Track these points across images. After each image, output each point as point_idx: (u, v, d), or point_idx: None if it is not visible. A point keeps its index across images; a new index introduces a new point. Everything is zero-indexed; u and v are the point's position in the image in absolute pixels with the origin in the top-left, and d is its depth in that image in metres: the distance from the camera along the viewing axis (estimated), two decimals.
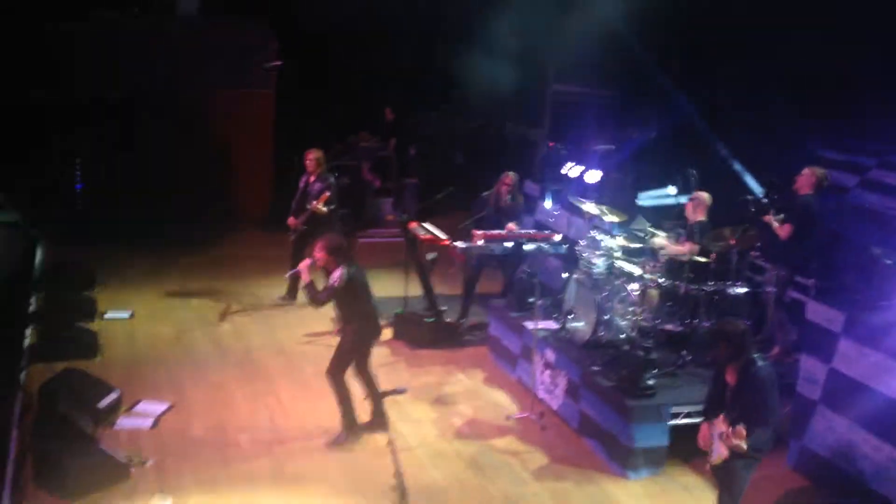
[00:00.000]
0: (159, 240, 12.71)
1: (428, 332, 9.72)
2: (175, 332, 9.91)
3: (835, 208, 8.91)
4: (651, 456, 7.12)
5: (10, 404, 7.50)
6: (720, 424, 5.58)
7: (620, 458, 7.16)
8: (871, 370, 6.54)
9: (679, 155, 10.89)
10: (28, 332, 9.26)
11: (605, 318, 8.22)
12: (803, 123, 9.76)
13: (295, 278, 10.21)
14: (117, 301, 10.57)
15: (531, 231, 10.23)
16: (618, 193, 11.19)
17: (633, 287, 8.19)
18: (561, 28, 12.16)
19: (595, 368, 7.74)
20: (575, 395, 7.83)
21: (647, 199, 10.98)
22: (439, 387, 8.74)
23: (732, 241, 8.13)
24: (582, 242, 8.92)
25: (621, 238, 8.81)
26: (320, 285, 7.45)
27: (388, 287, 10.55)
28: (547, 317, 8.79)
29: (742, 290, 8.17)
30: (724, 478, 5.71)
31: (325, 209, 10.27)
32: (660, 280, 8.15)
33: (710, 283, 8.10)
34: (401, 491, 5.01)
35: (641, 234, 8.82)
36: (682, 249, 8.24)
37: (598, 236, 8.76)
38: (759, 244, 8.73)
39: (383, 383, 7.69)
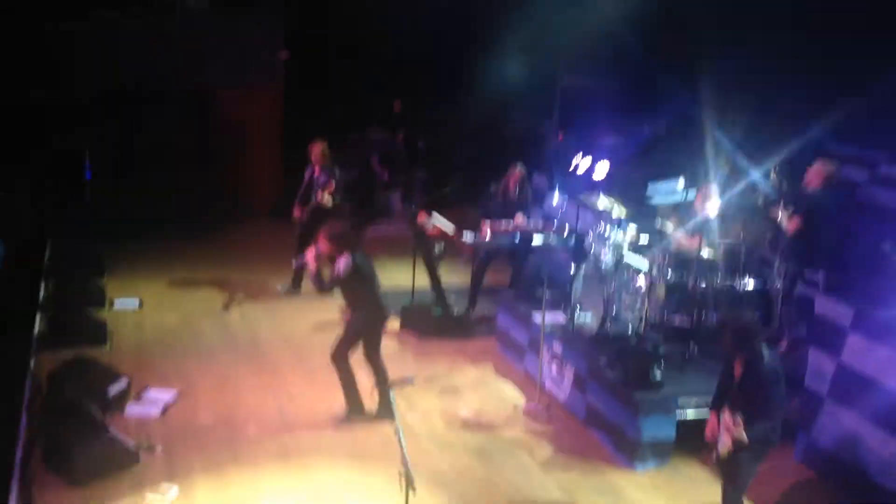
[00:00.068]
0: (167, 230, 12.69)
1: (436, 323, 9.74)
2: (183, 320, 9.95)
3: (844, 203, 8.88)
4: (658, 448, 7.12)
5: (20, 391, 7.55)
6: (726, 415, 5.60)
7: (627, 450, 7.17)
8: (879, 365, 6.53)
9: (688, 148, 10.84)
10: (38, 319, 9.31)
11: (613, 311, 8.22)
12: (813, 116, 9.71)
13: (299, 268, 10.24)
14: (126, 290, 10.61)
15: (539, 223, 10.23)
16: (627, 186, 11.14)
17: (641, 280, 8.19)
18: (570, 19, 12.12)
19: (602, 361, 7.75)
20: (582, 387, 7.84)
21: (655, 192, 10.93)
22: (447, 377, 8.76)
23: (741, 235, 8.12)
24: (590, 235, 8.91)
25: (630, 231, 8.80)
26: (326, 274, 7.49)
27: (396, 279, 10.58)
28: (555, 309, 8.81)
29: (750, 284, 8.16)
30: (729, 470, 5.73)
31: (330, 201, 10.30)
32: (668, 274, 8.15)
33: (718, 278, 8.09)
34: (408, 480, 5.02)
35: (651, 225, 8.80)
36: (691, 243, 8.23)
37: (607, 229, 8.76)
38: (768, 238, 8.71)
39: (391, 373, 7.73)
